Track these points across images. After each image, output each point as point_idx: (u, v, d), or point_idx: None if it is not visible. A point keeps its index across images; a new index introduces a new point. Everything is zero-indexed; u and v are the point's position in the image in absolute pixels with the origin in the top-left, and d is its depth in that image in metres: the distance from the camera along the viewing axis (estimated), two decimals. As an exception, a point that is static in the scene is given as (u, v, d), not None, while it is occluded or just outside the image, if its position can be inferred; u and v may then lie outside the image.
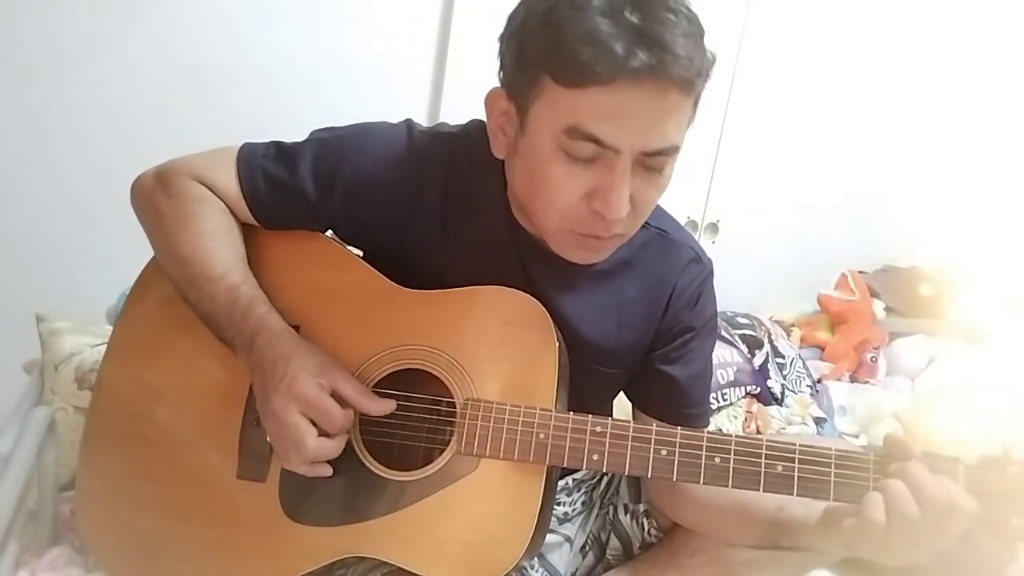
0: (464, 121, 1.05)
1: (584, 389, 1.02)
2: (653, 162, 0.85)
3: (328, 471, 0.93)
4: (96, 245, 1.72)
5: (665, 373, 1.06)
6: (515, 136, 0.90)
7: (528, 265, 1.00)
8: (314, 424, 0.90)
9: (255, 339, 0.93)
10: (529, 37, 0.84)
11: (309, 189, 0.99)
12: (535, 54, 0.83)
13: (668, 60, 0.78)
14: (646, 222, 0.96)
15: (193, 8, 1.77)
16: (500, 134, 0.93)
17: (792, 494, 0.85)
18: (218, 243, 0.99)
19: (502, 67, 0.90)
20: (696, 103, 0.86)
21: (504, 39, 0.89)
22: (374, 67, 1.92)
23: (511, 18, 0.88)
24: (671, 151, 0.85)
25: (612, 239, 0.92)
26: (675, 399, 1.07)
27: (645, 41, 0.78)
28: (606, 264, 1.00)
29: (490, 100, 0.92)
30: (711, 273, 1.07)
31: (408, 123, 1.03)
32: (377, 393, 0.95)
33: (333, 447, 0.91)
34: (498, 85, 0.91)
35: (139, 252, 1.06)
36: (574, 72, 0.79)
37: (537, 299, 0.97)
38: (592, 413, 0.92)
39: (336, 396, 0.91)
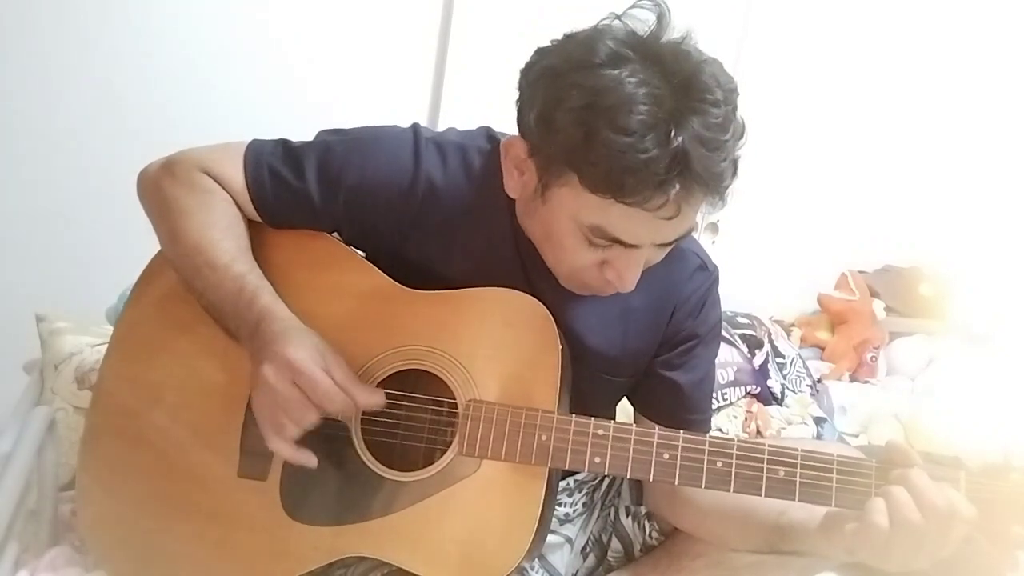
0: (463, 120, 1.05)
1: (589, 398, 1.02)
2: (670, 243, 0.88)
3: (313, 462, 0.90)
4: (96, 245, 1.72)
5: (668, 378, 1.05)
6: (532, 191, 0.89)
7: (532, 275, 1.00)
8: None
9: (259, 326, 0.92)
10: (558, 132, 0.81)
11: (314, 193, 0.99)
12: (565, 151, 0.81)
13: (698, 187, 0.79)
14: None
15: (194, 7, 1.77)
16: (516, 173, 0.92)
17: (794, 499, 0.85)
18: (224, 234, 0.98)
19: (522, 115, 0.87)
20: None
21: (531, 102, 0.85)
22: (374, 67, 1.92)
23: (537, 92, 0.84)
24: (688, 232, 0.88)
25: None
26: (677, 404, 1.06)
27: (680, 168, 0.77)
28: None
29: (508, 146, 0.91)
30: (716, 280, 1.07)
31: (415, 129, 1.02)
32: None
33: (314, 415, 0.88)
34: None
35: (139, 252, 1.06)
36: (606, 189, 0.79)
37: (543, 305, 0.96)
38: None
39: None
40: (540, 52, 0.86)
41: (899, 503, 0.77)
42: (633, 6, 0.83)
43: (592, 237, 0.85)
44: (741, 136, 0.82)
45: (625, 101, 0.76)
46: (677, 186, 0.78)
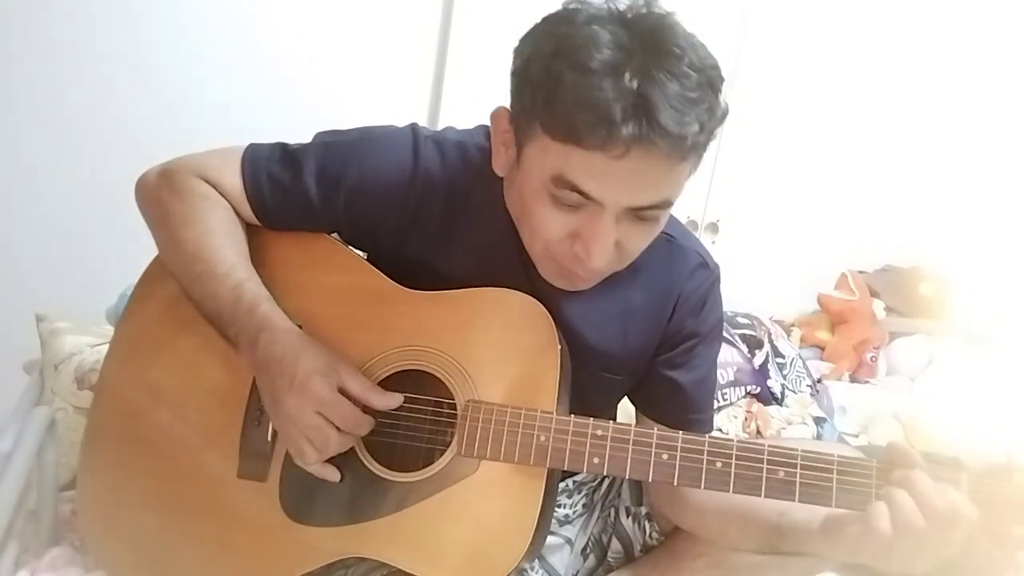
0: (463, 120, 1.05)
1: (590, 397, 1.02)
2: (643, 214, 0.85)
3: (336, 476, 0.93)
4: (96, 245, 1.73)
5: (669, 378, 1.05)
6: (513, 161, 0.90)
7: (532, 272, 0.99)
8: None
9: (259, 336, 0.93)
10: (529, 82, 0.82)
11: (313, 194, 0.99)
12: (531, 101, 0.82)
13: (657, 134, 0.76)
14: None
15: (193, 8, 1.77)
16: (503, 150, 0.92)
17: (794, 500, 0.84)
18: (222, 241, 0.98)
19: (510, 90, 0.88)
20: (699, 157, 0.85)
21: (514, 61, 0.86)
22: (374, 67, 1.92)
23: (519, 49, 0.85)
24: (662, 205, 0.85)
25: (594, 274, 0.92)
26: (679, 404, 1.06)
27: (637, 112, 0.75)
28: None
29: (495, 117, 0.91)
30: (718, 279, 1.06)
31: (413, 128, 1.02)
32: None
33: (349, 441, 0.93)
34: (504, 100, 0.90)
35: (139, 252, 1.06)
36: (563, 132, 0.79)
37: (542, 305, 0.96)
38: (596, 419, 0.91)
39: (343, 392, 0.91)
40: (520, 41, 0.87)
41: (902, 507, 0.77)
42: None
43: (556, 190, 0.83)
44: (720, 117, 0.81)
45: (590, 45, 0.77)
46: (631, 127, 0.76)
